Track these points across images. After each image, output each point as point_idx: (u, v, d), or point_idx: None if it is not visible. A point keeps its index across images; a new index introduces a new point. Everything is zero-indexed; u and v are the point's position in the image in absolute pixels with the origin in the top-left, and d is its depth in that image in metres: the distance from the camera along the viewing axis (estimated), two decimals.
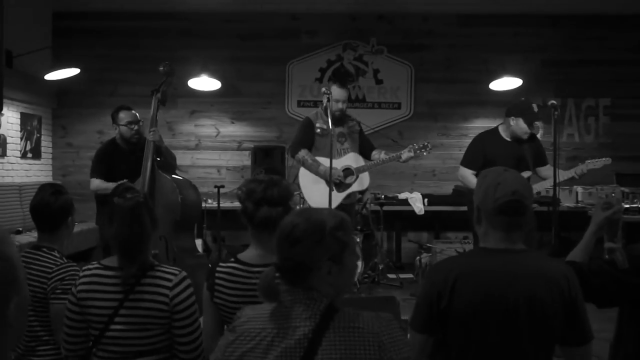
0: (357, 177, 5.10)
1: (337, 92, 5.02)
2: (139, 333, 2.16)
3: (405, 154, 5.00)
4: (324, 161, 4.93)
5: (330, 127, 4.76)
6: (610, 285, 2.28)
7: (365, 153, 5.25)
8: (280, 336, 1.61)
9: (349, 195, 5.14)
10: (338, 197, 5.00)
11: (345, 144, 5.13)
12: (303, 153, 5.07)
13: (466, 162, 4.97)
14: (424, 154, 5.11)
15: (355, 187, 5.13)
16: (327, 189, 4.85)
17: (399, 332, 1.64)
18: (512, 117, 4.81)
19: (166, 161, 4.62)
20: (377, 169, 7.58)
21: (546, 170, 4.91)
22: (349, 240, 1.70)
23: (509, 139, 4.85)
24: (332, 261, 1.65)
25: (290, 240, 1.65)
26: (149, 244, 2.25)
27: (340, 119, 5.09)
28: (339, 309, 1.64)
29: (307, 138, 5.10)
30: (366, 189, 5.44)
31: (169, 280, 2.18)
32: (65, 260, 2.65)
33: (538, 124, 7.71)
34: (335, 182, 4.96)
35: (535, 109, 4.87)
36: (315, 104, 7.73)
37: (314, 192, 5.03)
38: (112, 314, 2.15)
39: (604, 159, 4.84)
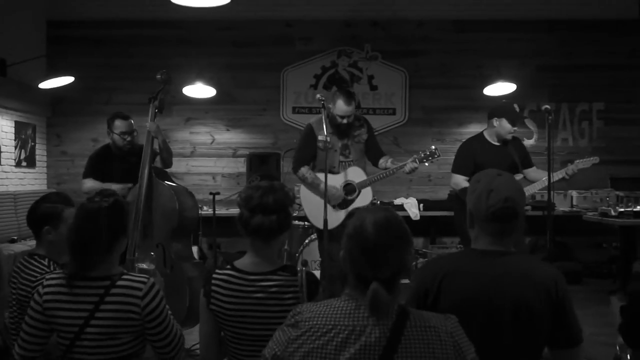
0: (359, 192, 4.79)
1: (341, 108, 4.68)
2: (109, 342, 2.15)
3: (409, 166, 4.66)
4: (323, 177, 4.57)
5: (328, 139, 4.54)
6: None
7: (373, 160, 4.95)
8: (356, 333, 1.62)
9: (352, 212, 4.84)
10: (341, 215, 4.75)
11: (350, 156, 4.83)
12: (303, 171, 4.82)
13: (457, 169, 4.96)
14: (431, 161, 4.76)
15: (357, 203, 4.76)
16: (329, 207, 4.60)
17: (464, 332, 1.69)
18: (495, 119, 4.83)
19: (163, 156, 4.62)
20: (372, 173, 7.64)
21: (533, 172, 4.93)
22: None
23: (495, 143, 4.87)
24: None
25: (393, 250, 1.68)
26: (103, 250, 2.21)
27: (345, 131, 4.79)
28: (410, 310, 1.67)
29: (308, 151, 4.84)
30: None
31: (139, 289, 2.17)
32: (53, 269, 2.63)
33: (532, 128, 7.76)
34: (338, 202, 4.75)
35: (517, 109, 4.89)
36: (310, 110, 7.76)
37: (315, 209, 4.75)
38: (83, 324, 2.14)
39: (592, 158, 4.88)
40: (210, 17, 7.46)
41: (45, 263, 2.68)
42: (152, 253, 4.06)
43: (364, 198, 4.80)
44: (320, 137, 4.72)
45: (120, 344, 2.17)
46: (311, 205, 4.85)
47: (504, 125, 4.79)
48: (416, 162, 4.69)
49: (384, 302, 1.62)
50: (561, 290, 1.96)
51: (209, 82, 7.08)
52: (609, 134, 7.92)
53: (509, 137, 4.82)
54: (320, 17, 7.83)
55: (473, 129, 7.75)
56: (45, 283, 2.22)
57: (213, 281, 2.25)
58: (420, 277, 2.07)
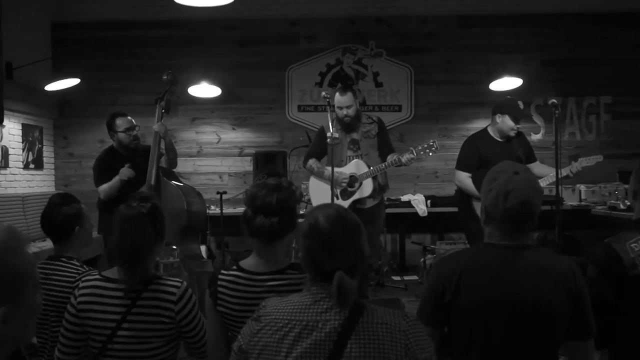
0: (361, 184, 4.94)
1: (336, 99, 4.91)
2: (141, 346, 2.14)
3: (405, 157, 4.76)
4: (328, 169, 4.88)
5: (336, 135, 4.68)
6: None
7: (383, 157, 5.01)
8: (309, 328, 1.63)
9: (359, 201, 4.97)
10: (344, 205, 4.83)
11: (359, 150, 4.96)
12: (311, 162, 5.13)
13: (462, 166, 4.97)
14: (429, 153, 4.85)
15: (357, 195, 4.95)
16: (334, 198, 4.82)
17: (423, 331, 1.68)
18: (498, 115, 4.82)
19: (168, 157, 4.64)
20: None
21: (536, 167, 4.89)
22: None
23: (499, 139, 4.86)
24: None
25: (347, 237, 1.69)
26: (149, 255, 2.22)
27: (351, 125, 4.94)
28: (366, 305, 1.66)
29: (319, 148, 5.11)
30: (373, 192, 5.25)
31: (173, 293, 2.16)
32: (86, 268, 2.65)
33: (539, 123, 7.73)
34: (342, 186, 4.94)
35: (521, 106, 4.87)
36: (316, 108, 7.76)
37: (322, 201, 4.91)
38: (115, 327, 2.13)
39: (595, 156, 4.85)
40: (215, 16, 7.47)
41: (78, 264, 2.69)
42: (174, 247, 4.04)
43: (365, 189, 4.96)
44: (328, 134, 4.80)
45: (152, 348, 2.15)
46: (319, 197, 5.09)
47: (506, 122, 4.78)
48: (413, 154, 4.76)
49: (350, 288, 1.63)
50: (579, 283, 1.95)
51: (214, 81, 7.09)
52: (616, 127, 7.88)
53: (512, 133, 4.81)
54: (324, 15, 7.82)
55: (479, 125, 7.71)
56: (81, 285, 2.23)
57: (219, 282, 2.22)
58: (436, 274, 2.05)
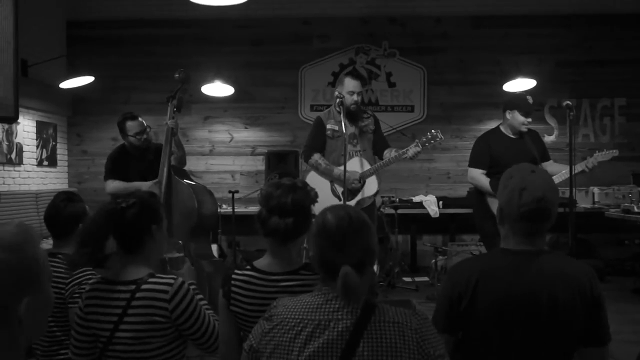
0: (364, 182, 4.77)
1: (351, 83, 4.73)
2: (140, 347, 2.13)
3: (412, 150, 4.59)
4: (338, 169, 4.69)
5: (344, 130, 4.51)
6: None
7: (379, 153, 4.91)
8: (321, 328, 1.63)
9: (359, 203, 4.80)
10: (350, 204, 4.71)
11: (358, 145, 4.82)
12: (316, 157, 4.84)
13: (474, 163, 4.94)
14: (433, 144, 4.70)
15: (366, 193, 4.79)
16: (334, 199, 4.73)
17: (433, 329, 1.68)
18: (508, 111, 4.80)
19: (178, 155, 4.64)
20: (391, 172, 7.61)
21: (550, 166, 4.84)
22: None
23: (511, 136, 4.83)
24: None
25: (354, 231, 1.70)
26: (101, 245, 2.20)
27: (355, 115, 4.80)
28: (377, 305, 1.66)
29: (319, 140, 4.87)
30: (377, 194, 5.15)
31: (165, 292, 2.13)
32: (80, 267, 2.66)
33: (553, 124, 7.68)
34: (355, 186, 4.72)
35: (530, 100, 4.84)
36: (329, 107, 7.73)
37: (321, 201, 4.76)
38: (113, 328, 2.13)
39: (612, 150, 4.74)
40: (228, 15, 7.49)
41: None
42: (180, 241, 4.05)
43: (370, 187, 4.80)
44: (329, 126, 4.80)
45: (152, 349, 2.14)
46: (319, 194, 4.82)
47: (516, 117, 4.75)
48: (419, 147, 4.61)
49: (355, 284, 1.63)
50: (596, 289, 1.94)
51: (227, 80, 7.11)
52: (631, 129, 7.81)
53: (523, 128, 4.77)
54: (337, 15, 7.82)
55: (492, 126, 7.61)
56: (88, 287, 2.24)
57: (233, 282, 2.21)
58: (452, 281, 2.03)
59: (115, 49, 7.85)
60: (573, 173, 4.40)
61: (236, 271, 2.25)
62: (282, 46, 7.88)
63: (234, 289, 2.20)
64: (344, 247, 1.69)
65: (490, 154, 4.79)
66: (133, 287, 2.15)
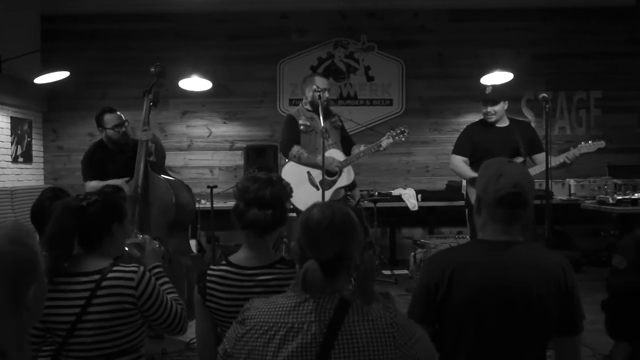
0: (341, 172, 5.00)
1: (322, 81, 5.04)
2: (107, 336, 2.14)
3: (385, 141, 4.94)
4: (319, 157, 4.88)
5: (322, 122, 4.69)
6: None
7: (345, 148, 5.15)
8: (294, 331, 1.62)
9: (336, 192, 5.03)
10: (326, 195, 4.84)
11: (330, 139, 4.98)
12: (297, 149, 4.97)
13: (456, 150, 5.08)
14: (402, 139, 5.03)
15: (340, 183, 5.01)
16: (312, 188, 4.88)
17: (405, 318, 1.69)
18: (481, 104, 5.02)
19: (157, 162, 4.59)
20: (370, 165, 7.63)
21: (542, 157, 4.90)
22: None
23: (498, 125, 4.95)
24: (358, 253, 1.72)
25: (331, 232, 1.68)
26: (70, 246, 2.22)
27: (327, 111, 4.98)
28: (351, 303, 1.65)
29: (294, 136, 5.03)
30: (354, 187, 5.34)
31: (131, 279, 2.16)
32: None
33: (530, 117, 7.75)
34: (335, 170, 4.94)
35: (487, 90, 5.00)
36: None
37: (300, 193, 4.77)
38: (75, 320, 2.12)
39: (598, 142, 4.80)
40: (205, 9, 7.44)
41: None
42: (135, 230, 3.96)
43: (346, 178, 5.02)
44: (301, 121, 5.00)
45: (119, 337, 2.15)
46: (296, 188, 4.83)
47: (482, 109, 4.96)
48: (390, 139, 4.97)
49: (315, 279, 1.63)
50: (570, 279, 1.96)
51: (205, 75, 7.05)
52: (606, 122, 7.91)
53: (488, 118, 4.94)
54: (315, 8, 7.80)
55: (470, 119, 7.71)
56: None
57: (208, 277, 2.20)
58: (428, 271, 2.06)
59: (91, 44, 7.75)
60: (555, 164, 4.49)
61: (211, 267, 2.24)
62: (260, 40, 7.84)
63: (209, 284, 2.19)
64: (318, 244, 1.68)
65: (473, 140, 4.94)
66: (97, 276, 2.16)
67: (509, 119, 5.07)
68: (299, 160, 4.98)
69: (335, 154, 5.00)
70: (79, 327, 2.12)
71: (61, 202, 2.29)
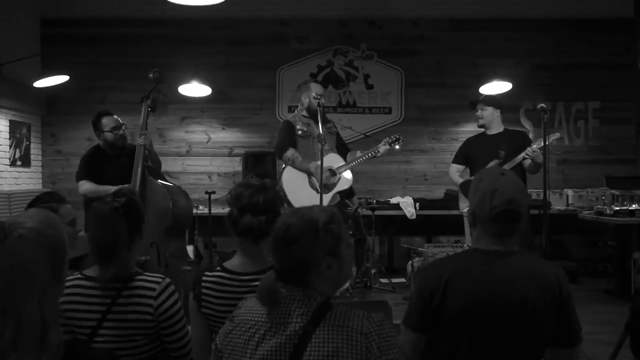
0: (340, 176, 5.04)
1: (317, 87, 5.07)
2: (124, 344, 2.11)
3: (382, 148, 5.03)
4: (314, 163, 4.92)
5: (320, 129, 4.74)
6: None
7: (341, 154, 5.17)
8: (272, 331, 1.63)
9: (334, 197, 5.07)
10: (325, 199, 4.86)
11: (326, 145, 4.92)
12: (291, 152, 4.97)
13: (453, 159, 5.34)
14: (397, 147, 5.11)
15: (339, 187, 5.05)
16: (313, 191, 4.88)
17: (389, 333, 1.63)
18: None
19: (154, 167, 4.60)
20: (368, 173, 7.64)
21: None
22: (342, 233, 1.73)
23: (489, 133, 5.12)
24: (330, 256, 1.67)
25: (287, 241, 1.66)
26: (123, 250, 2.17)
27: (324, 118, 5.00)
28: (332, 307, 1.65)
29: (290, 140, 5.03)
30: (353, 194, 5.38)
31: (153, 289, 2.13)
32: None
33: (528, 127, 7.76)
34: (332, 182, 4.98)
35: (480, 97, 5.26)
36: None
37: (300, 196, 4.86)
38: (96, 325, 2.11)
39: (553, 134, 4.86)
40: (206, 16, 7.45)
41: None
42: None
43: (344, 182, 5.08)
44: (298, 127, 5.03)
45: (136, 346, 2.13)
46: (296, 191, 4.93)
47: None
48: (387, 145, 5.07)
49: (269, 291, 1.63)
50: (565, 289, 1.96)
51: (205, 81, 7.07)
52: (604, 133, 7.93)
53: (478, 122, 5.17)
54: (315, 16, 7.82)
55: (469, 128, 7.77)
56: (67, 284, 2.18)
57: (203, 284, 2.20)
58: (424, 279, 2.06)
59: (91, 48, 7.76)
60: (514, 164, 4.69)
61: (206, 272, 2.24)
62: (260, 47, 7.86)
63: (204, 290, 2.19)
64: (277, 254, 1.69)
65: (466, 150, 5.19)
66: (120, 284, 2.14)
67: (507, 129, 5.15)
68: (293, 164, 4.99)
69: (334, 159, 5.04)
70: (99, 333, 2.11)
71: (92, 210, 2.22)
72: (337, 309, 1.64)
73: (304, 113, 5.12)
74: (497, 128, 5.09)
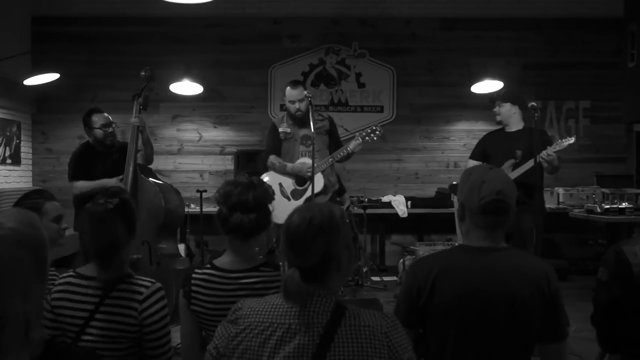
0: (309, 183, 4.91)
1: (290, 93, 5.01)
2: (109, 345, 2.10)
3: (353, 144, 4.92)
4: (289, 164, 5.04)
5: (287, 130, 4.88)
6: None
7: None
8: (291, 332, 1.60)
9: (308, 200, 4.95)
10: (297, 205, 4.79)
11: (311, 146, 4.88)
12: (271, 159, 5.10)
13: (471, 154, 5.14)
14: (374, 138, 5.02)
15: (310, 192, 4.90)
16: (285, 200, 4.91)
17: (403, 332, 1.66)
18: None
19: (147, 151, 4.61)
20: (360, 172, 7.65)
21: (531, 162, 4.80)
22: (353, 227, 1.75)
23: (508, 130, 4.93)
24: (348, 250, 1.70)
25: (310, 234, 1.64)
26: (122, 251, 2.17)
27: (303, 120, 4.97)
28: (346, 307, 1.64)
29: (275, 144, 5.11)
30: (344, 191, 5.36)
31: (140, 293, 2.12)
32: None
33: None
34: (307, 176, 4.89)
35: (500, 92, 5.22)
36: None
37: (277, 197, 4.85)
38: (83, 324, 2.11)
39: (568, 139, 4.64)
40: (197, 14, 7.43)
41: None
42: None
43: (316, 185, 4.87)
44: (281, 129, 5.06)
45: (121, 348, 2.11)
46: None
47: None
48: (359, 139, 4.94)
49: (295, 288, 1.61)
50: (553, 285, 1.97)
51: (196, 79, 7.05)
52: (595, 132, 7.97)
53: (496, 118, 4.97)
54: (307, 15, 7.81)
55: (461, 127, 7.81)
56: (57, 282, 2.21)
57: (193, 281, 2.20)
58: (412, 276, 2.06)
59: (82, 46, 7.72)
60: (529, 168, 4.49)
61: (196, 270, 2.24)
62: (252, 45, 7.84)
63: (194, 288, 2.19)
64: (299, 250, 1.66)
65: (484, 146, 5.01)
66: (109, 284, 2.13)
67: (527, 126, 4.91)
68: (274, 169, 5.10)
69: (307, 162, 4.94)
70: (86, 332, 2.10)
71: (85, 213, 2.20)
72: (351, 309, 1.65)
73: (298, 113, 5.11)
74: (516, 125, 4.89)
